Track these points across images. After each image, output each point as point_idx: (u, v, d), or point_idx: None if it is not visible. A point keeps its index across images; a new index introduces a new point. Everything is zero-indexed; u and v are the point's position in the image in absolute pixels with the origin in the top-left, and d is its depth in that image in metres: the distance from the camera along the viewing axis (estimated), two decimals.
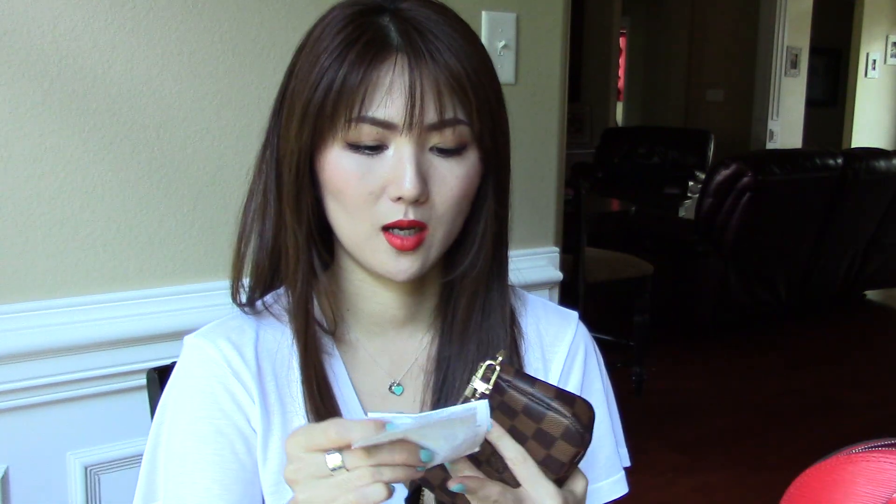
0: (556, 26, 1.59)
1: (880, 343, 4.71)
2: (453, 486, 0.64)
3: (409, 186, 0.70)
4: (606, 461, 0.89)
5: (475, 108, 0.72)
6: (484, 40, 1.49)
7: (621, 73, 8.36)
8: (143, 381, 1.05)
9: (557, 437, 0.64)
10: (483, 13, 1.48)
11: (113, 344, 1.21)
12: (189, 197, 1.27)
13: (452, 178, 0.73)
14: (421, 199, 0.72)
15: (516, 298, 0.89)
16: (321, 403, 0.77)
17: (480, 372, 0.66)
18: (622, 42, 8.05)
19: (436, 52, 0.71)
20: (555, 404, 0.65)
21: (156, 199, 1.25)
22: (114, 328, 1.21)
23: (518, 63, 1.54)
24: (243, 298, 0.82)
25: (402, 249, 0.73)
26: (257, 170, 0.80)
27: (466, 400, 0.66)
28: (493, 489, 0.64)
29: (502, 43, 1.51)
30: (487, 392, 0.66)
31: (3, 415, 1.16)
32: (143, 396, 1.05)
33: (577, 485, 0.68)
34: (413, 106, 0.70)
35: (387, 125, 0.70)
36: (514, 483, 0.65)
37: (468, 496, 0.64)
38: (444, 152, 0.73)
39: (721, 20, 7.14)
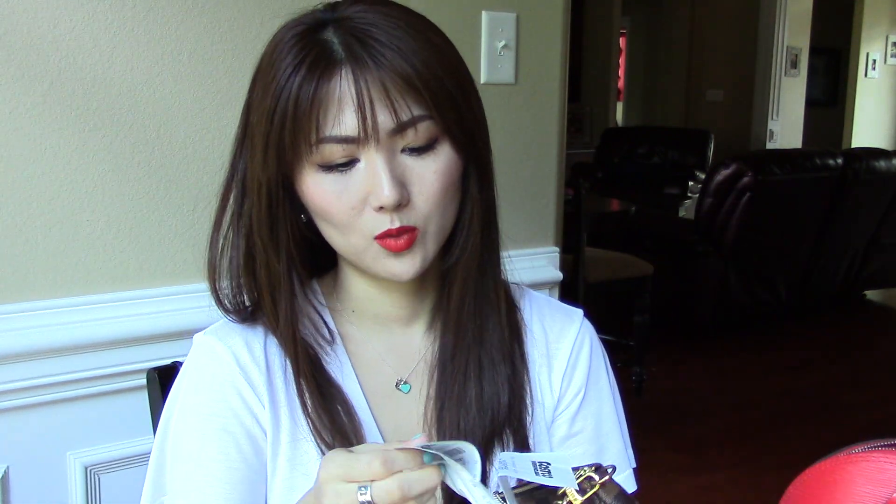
0: (556, 26, 1.59)
1: (880, 343, 4.71)
2: None
3: (387, 194, 0.70)
4: (615, 458, 0.90)
5: (432, 103, 0.71)
6: (484, 40, 1.49)
7: (621, 73, 8.35)
8: (143, 381, 1.05)
9: None
10: (483, 13, 1.48)
11: (113, 344, 1.21)
12: (189, 197, 1.27)
13: (430, 174, 0.73)
14: (402, 203, 0.71)
15: (520, 295, 0.90)
16: (323, 422, 0.77)
17: (578, 479, 0.61)
18: (622, 42, 8.05)
19: (378, 55, 0.69)
20: None
21: (156, 199, 1.25)
22: (114, 328, 1.21)
23: (518, 63, 1.54)
24: (229, 308, 0.82)
25: (397, 250, 0.73)
26: (222, 199, 0.79)
27: (557, 497, 0.61)
28: None
29: (502, 43, 1.51)
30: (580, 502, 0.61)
31: (3, 415, 1.16)
32: (143, 396, 1.05)
33: None
34: (365, 117, 0.69)
35: (348, 140, 0.70)
36: None
37: None
38: (416, 151, 0.72)
39: (721, 20, 7.14)
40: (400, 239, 0.72)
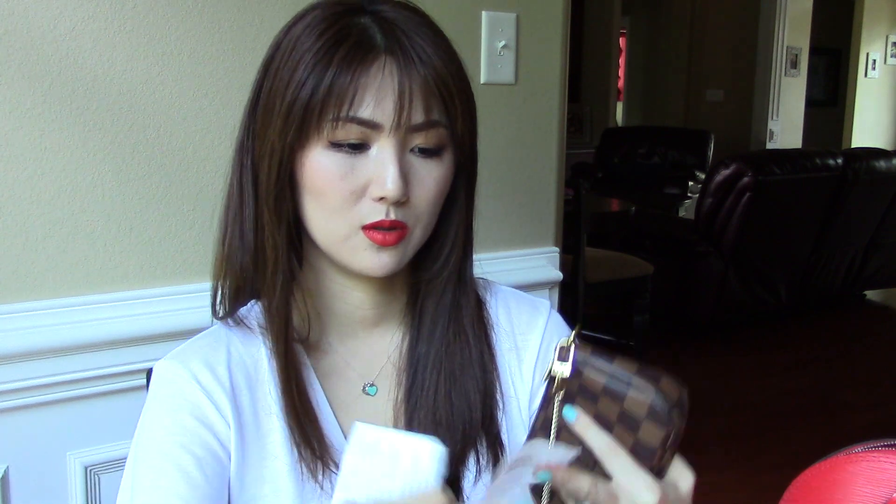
0: (556, 26, 1.59)
1: (880, 343, 4.71)
2: (538, 472, 0.59)
3: (391, 187, 0.70)
4: None
5: (459, 111, 0.73)
6: (484, 40, 1.49)
7: (621, 73, 8.35)
8: (143, 381, 1.05)
9: (643, 418, 0.59)
10: (483, 13, 1.48)
11: (113, 344, 1.21)
12: (189, 197, 1.27)
13: (430, 179, 0.74)
14: (402, 200, 0.72)
15: (485, 288, 0.90)
16: (303, 415, 0.76)
17: (556, 353, 0.61)
18: (622, 42, 8.05)
19: (423, 53, 0.71)
20: (635, 381, 0.59)
21: (156, 199, 1.25)
22: (114, 328, 1.21)
23: (518, 63, 1.54)
24: (226, 308, 0.81)
25: (383, 245, 0.73)
26: (232, 173, 0.79)
27: (552, 381, 0.61)
28: (584, 481, 0.60)
29: (502, 43, 1.51)
30: (567, 376, 0.60)
31: (3, 415, 1.16)
32: (143, 396, 1.05)
33: (682, 480, 0.63)
34: (402, 107, 0.70)
35: (373, 125, 0.70)
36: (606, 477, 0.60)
37: (559, 489, 0.60)
38: (425, 153, 0.73)
39: (721, 20, 7.14)
40: (389, 234, 0.73)
